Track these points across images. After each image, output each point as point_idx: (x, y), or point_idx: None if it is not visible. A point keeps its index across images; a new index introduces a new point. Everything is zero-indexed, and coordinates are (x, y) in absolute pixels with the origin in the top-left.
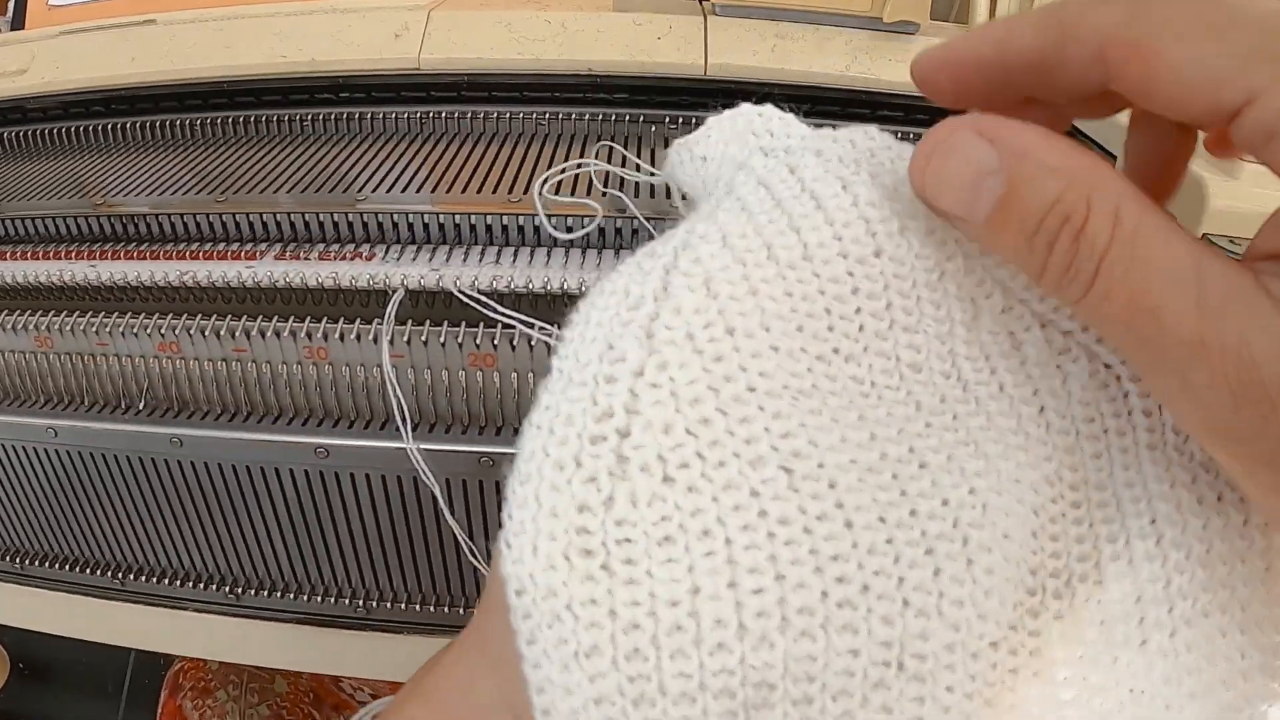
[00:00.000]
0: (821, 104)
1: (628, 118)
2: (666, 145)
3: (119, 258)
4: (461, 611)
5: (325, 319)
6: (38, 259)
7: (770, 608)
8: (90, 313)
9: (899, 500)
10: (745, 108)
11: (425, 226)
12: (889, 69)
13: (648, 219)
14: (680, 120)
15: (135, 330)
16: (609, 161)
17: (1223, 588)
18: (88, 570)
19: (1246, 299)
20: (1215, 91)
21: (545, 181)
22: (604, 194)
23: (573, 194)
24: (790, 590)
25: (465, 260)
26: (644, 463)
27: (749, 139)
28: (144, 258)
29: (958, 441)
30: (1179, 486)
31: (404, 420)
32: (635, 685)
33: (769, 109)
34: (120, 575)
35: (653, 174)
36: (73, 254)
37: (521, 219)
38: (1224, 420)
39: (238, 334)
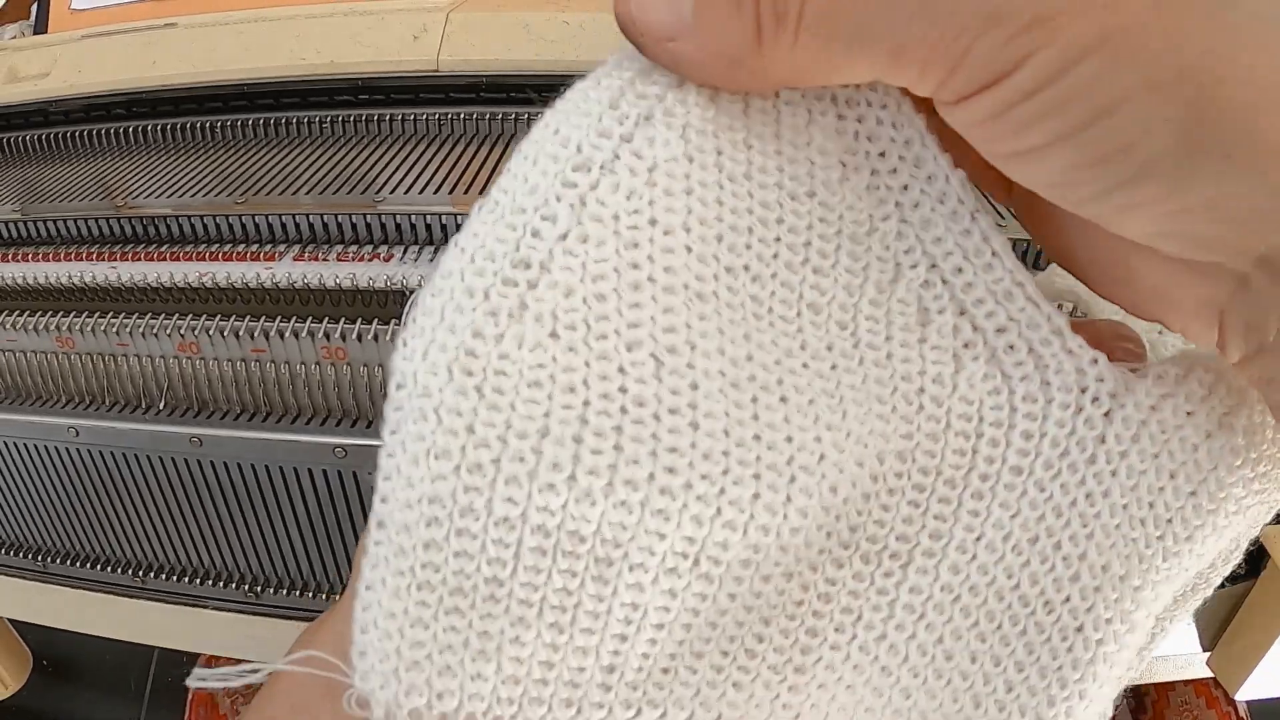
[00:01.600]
0: None
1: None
2: None
3: (140, 259)
4: None
5: (344, 320)
6: (59, 260)
7: (602, 469)
8: (111, 313)
9: (748, 421)
10: None
11: (444, 227)
12: None
13: None
14: None
15: (155, 331)
16: None
17: (992, 637)
18: (109, 568)
19: None
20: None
21: None
22: None
23: None
24: (623, 463)
25: None
26: (539, 314)
27: None
28: (164, 259)
29: (824, 390)
30: (1016, 521)
31: None
32: (467, 495)
33: None
34: (141, 573)
35: None
36: (94, 255)
37: None
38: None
39: (257, 334)
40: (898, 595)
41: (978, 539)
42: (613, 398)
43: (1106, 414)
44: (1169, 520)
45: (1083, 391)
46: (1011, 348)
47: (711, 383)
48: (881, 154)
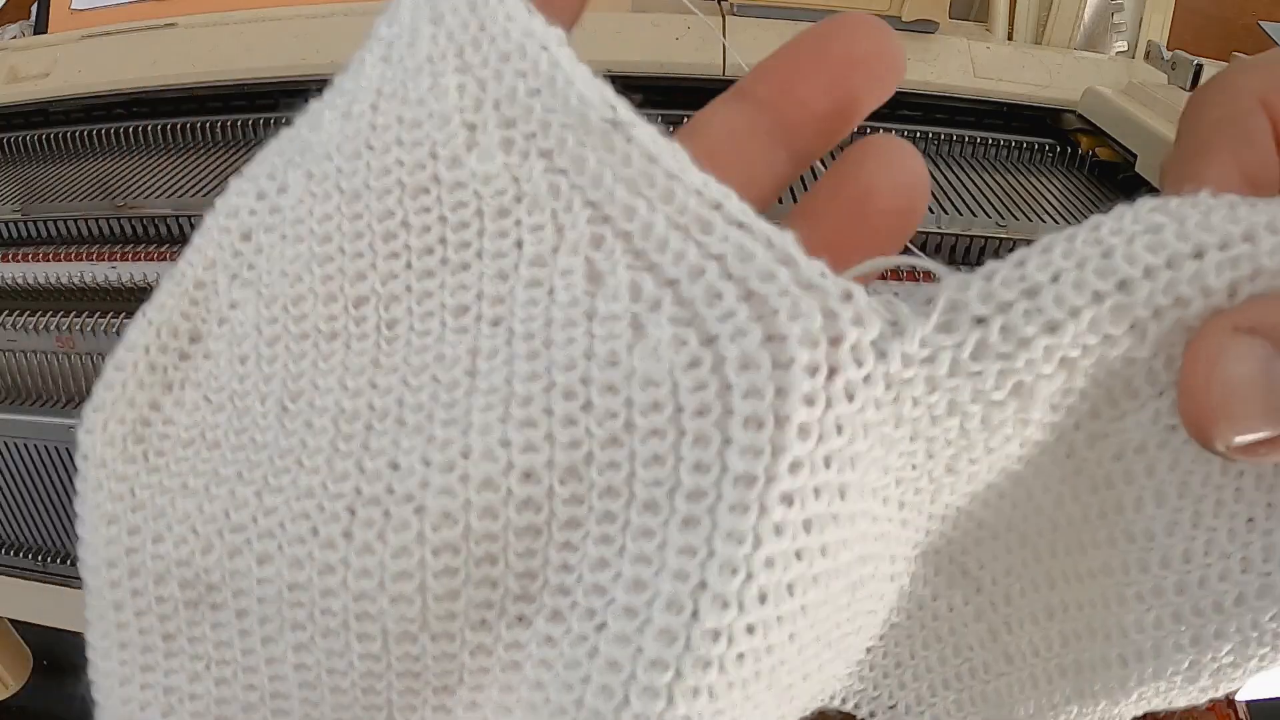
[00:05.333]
0: None
1: (645, 118)
2: None
3: (140, 259)
4: None
5: None
6: (60, 260)
7: (218, 516)
8: (111, 314)
9: (354, 450)
10: None
11: None
12: (908, 68)
13: None
14: None
15: None
16: None
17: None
18: None
19: None
20: None
21: None
22: None
23: None
24: (233, 507)
25: None
26: (194, 380)
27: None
28: (165, 259)
29: (446, 403)
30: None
31: None
32: (130, 557)
33: None
34: None
35: None
36: (94, 255)
37: None
38: None
39: None
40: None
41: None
42: (241, 447)
43: (864, 370)
44: (916, 505)
45: (834, 343)
46: (717, 296)
47: (323, 418)
48: (510, 94)
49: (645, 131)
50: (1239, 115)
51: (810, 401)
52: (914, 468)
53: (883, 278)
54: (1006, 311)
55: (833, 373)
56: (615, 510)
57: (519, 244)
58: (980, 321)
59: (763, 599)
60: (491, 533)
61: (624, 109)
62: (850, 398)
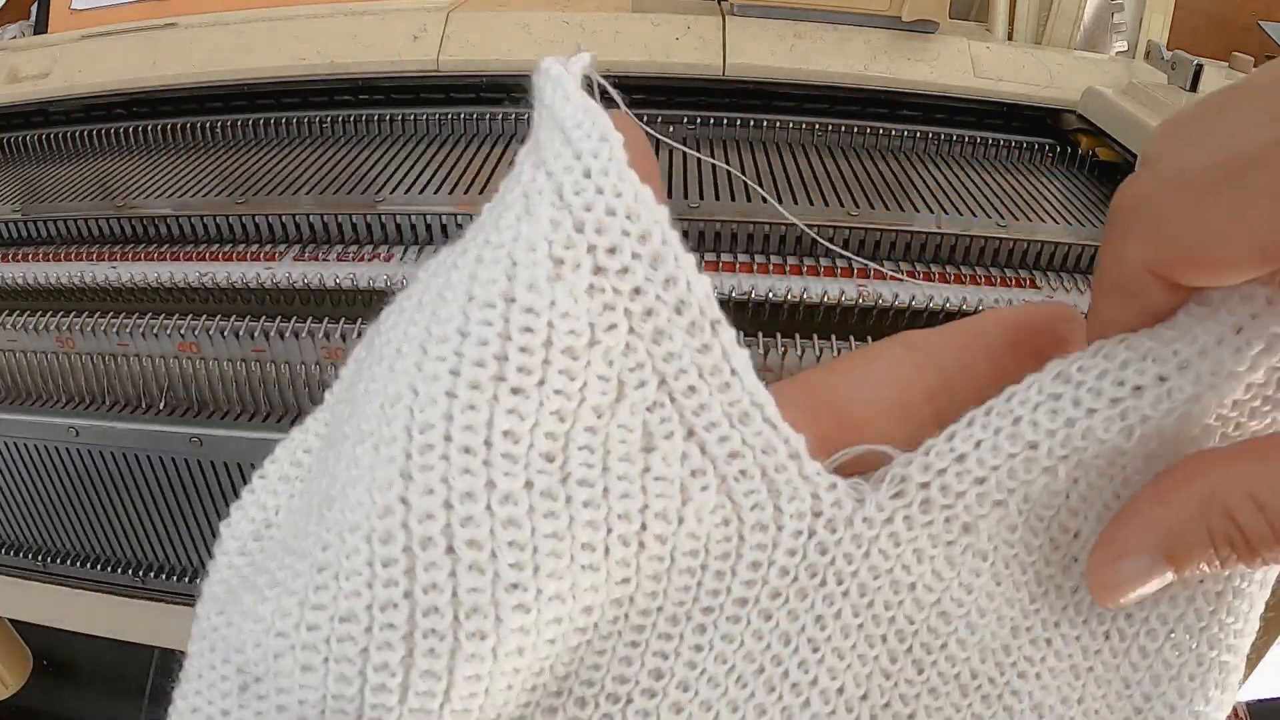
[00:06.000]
0: (840, 104)
1: (645, 118)
2: (685, 145)
3: (140, 259)
4: None
5: (344, 320)
6: (60, 260)
7: (266, 616)
8: (111, 313)
9: (399, 577)
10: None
11: (444, 227)
12: (908, 68)
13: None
14: (698, 120)
15: (156, 331)
16: None
17: None
18: (109, 568)
19: None
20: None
21: None
22: None
23: None
24: (279, 612)
25: None
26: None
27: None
28: (165, 259)
29: (512, 541)
30: (739, 653)
31: None
32: (212, 634)
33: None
34: (141, 574)
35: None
36: (94, 255)
37: None
38: None
39: (257, 334)
40: None
41: (700, 674)
42: (293, 553)
43: (837, 534)
44: (914, 633)
45: (816, 516)
46: (744, 474)
47: (355, 535)
48: (611, 249)
49: (730, 334)
50: (1133, 286)
51: (792, 553)
52: (911, 621)
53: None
54: (943, 475)
55: (811, 534)
56: (672, 633)
57: (583, 389)
58: (924, 485)
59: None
60: (600, 650)
61: (717, 307)
62: (823, 552)
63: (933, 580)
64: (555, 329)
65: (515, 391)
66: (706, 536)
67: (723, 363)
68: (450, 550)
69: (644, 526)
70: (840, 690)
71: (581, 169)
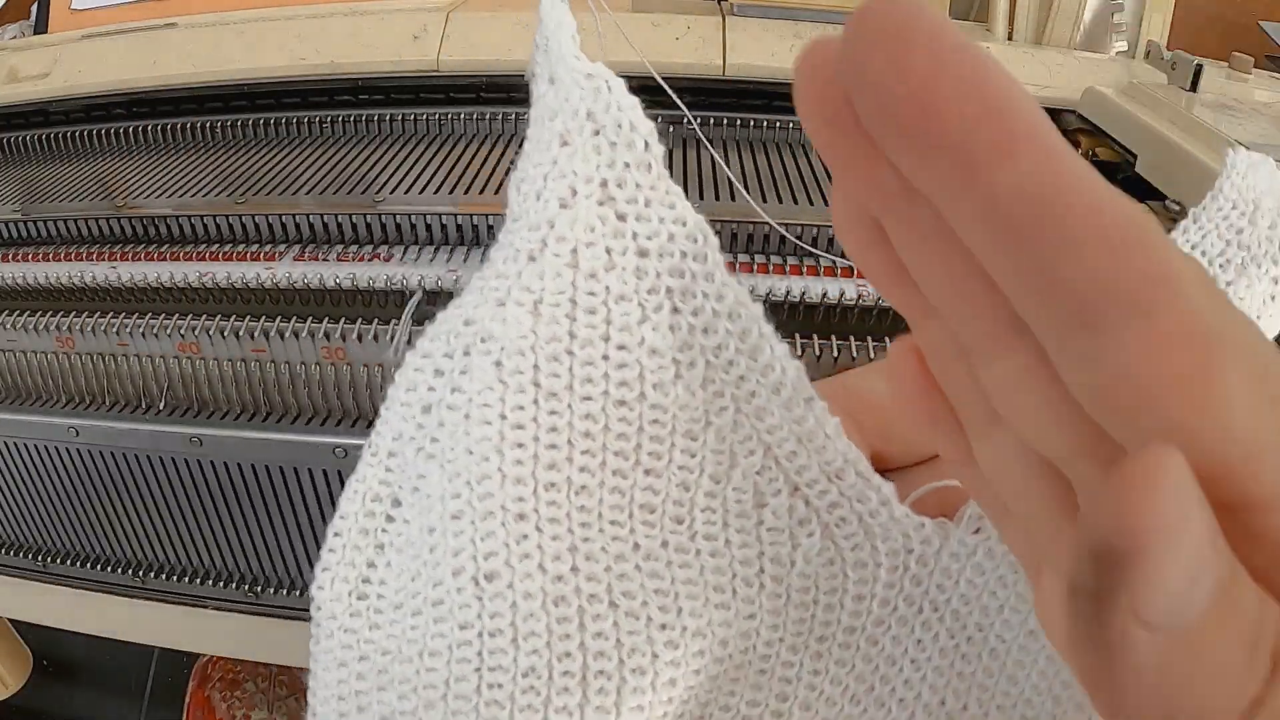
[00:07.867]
0: None
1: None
2: (685, 145)
3: (140, 259)
4: None
5: (344, 320)
6: (60, 260)
7: (438, 684)
8: (111, 313)
9: (574, 632)
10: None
11: (444, 228)
12: None
13: None
14: (699, 120)
15: (155, 331)
16: None
17: None
18: (109, 569)
19: None
20: None
21: None
22: None
23: None
24: (453, 678)
25: (484, 261)
26: (397, 545)
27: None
28: (164, 259)
29: (657, 590)
30: (851, 674)
31: None
32: (357, 698)
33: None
34: (141, 574)
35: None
36: (94, 255)
37: None
38: None
39: (257, 334)
40: None
41: (819, 695)
42: (444, 619)
43: (929, 567)
44: (1007, 651)
45: (909, 553)
46: (843, 520)
47: (532, 603)
48: (718, 348)
49: (822, 406)
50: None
51: (890, 586)
52: (1003, 640)
53: None
54: None
55: (905, 569)
56: (793, 660)
57: (701, 463)
58: None
59: None
60: (735, 678)
61: (809, 385)
62: (918, 584)
63: (1019, 603)
64: (677, 419)
65: (648, 473)
66: (815, 575)
67: (817, 429)
68: (613, 604)
69: (762, 570)
70: (942, 703)
71: (704, 273)
